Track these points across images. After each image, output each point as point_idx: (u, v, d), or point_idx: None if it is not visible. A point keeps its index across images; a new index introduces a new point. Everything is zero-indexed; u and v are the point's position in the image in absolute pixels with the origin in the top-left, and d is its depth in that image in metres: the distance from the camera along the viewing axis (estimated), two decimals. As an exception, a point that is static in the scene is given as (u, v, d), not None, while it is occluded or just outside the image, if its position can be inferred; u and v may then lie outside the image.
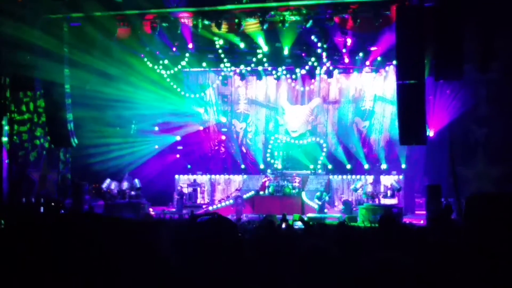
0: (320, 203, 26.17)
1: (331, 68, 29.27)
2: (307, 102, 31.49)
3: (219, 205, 29.39)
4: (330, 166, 30.61)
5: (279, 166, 30.92)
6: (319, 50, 27.14)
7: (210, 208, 29.13)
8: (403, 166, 28.72)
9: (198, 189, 30.60)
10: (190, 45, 26.20)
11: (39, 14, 22.55)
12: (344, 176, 29.76)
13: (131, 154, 30.06)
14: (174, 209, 28.12)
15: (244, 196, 28.46)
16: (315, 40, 25.97)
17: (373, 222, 19.19)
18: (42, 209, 24.25)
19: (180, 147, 32.29)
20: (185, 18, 23.55)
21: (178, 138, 32.09)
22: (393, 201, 26.14)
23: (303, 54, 28.31)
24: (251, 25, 23.30)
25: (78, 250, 3.85)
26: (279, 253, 4.66)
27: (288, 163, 31.13)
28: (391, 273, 3.58)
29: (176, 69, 29.92)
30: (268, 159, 31.65)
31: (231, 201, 28.70)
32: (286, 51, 26.42)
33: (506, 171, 23.57)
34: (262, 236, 8.54)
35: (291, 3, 21.94)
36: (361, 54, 27.70)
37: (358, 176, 29.07)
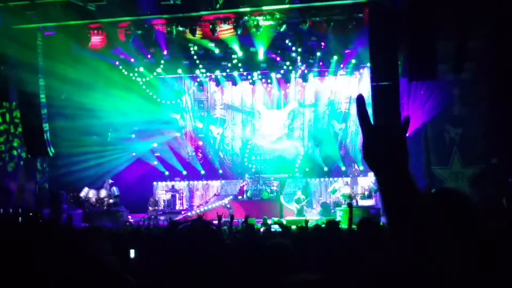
0: (298, 206, 26.28)
1: (306, 71, 29.43)
2: (283, 106, 31.64)
3: (212, 205, 29.38)
4: (307, 169, 30.74)
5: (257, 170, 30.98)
6: (293, 54, 27.29)
7: (204, 208, 29.25)
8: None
9: (177, 195, 30.58)
10: (165, 52, 26.27)
11: (12, 24, 22.37)
12: (322, 179, 29.92)
13: (108, 162, 29.97)
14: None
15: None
16: (290, 44, 26.11)
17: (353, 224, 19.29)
18: (20, 219, 24.07)
19: (157, 154, 32.20)
20: (159, 25, 23.53)
21: (155, 145, 32.02)
22: (371, 202, 26.26)
23: (277, 58, 28.41)
24: (225, 31, 23.32)
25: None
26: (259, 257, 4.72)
27: (265, 167, 31.22)
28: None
29: (151, 76, 29.91)
30: (246, 163, 31.74)
31: (226, 201, 28.84)
32: (261, 56, 26.47)
33: (481, 171, 23.79)
34: (243, 240, 8.63)
35: (264, 7, 21.92)
36: (335, 57, 27.84)
37: (335, 178, 29.24)
